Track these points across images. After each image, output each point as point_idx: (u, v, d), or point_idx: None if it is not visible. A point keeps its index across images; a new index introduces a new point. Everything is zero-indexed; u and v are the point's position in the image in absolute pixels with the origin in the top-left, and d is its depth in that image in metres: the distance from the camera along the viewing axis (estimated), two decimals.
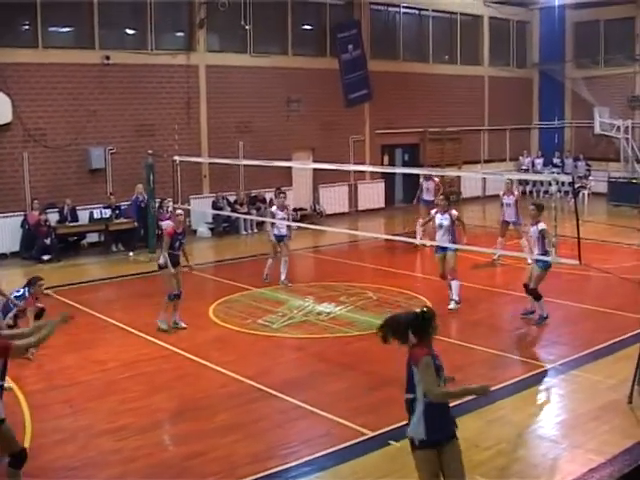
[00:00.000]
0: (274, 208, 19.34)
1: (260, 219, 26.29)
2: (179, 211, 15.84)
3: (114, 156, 24.98)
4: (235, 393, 11.50)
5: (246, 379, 12.00)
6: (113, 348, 13.74)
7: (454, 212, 16.42)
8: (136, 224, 23.92)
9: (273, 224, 19.05)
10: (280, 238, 18.93)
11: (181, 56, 26.51)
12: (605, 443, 9.31)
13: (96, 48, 24.48)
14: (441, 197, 17.05)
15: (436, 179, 23.24)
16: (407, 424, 7.29)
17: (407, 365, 7.31)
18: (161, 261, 15.14)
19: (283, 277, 18.79)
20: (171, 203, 24.47)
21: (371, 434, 9.84)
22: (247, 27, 27.60)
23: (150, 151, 23.28)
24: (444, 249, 16.13)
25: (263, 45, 28.83)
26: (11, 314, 13.19)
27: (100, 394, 11.42)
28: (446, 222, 16.14)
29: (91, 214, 23.95)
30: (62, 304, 16.39)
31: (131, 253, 23.14)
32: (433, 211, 16.81)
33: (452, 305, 16.15)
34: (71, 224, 23.54)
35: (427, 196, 23.10)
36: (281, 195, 19.96)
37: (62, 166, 24.00)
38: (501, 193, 21.41)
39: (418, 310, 7.38)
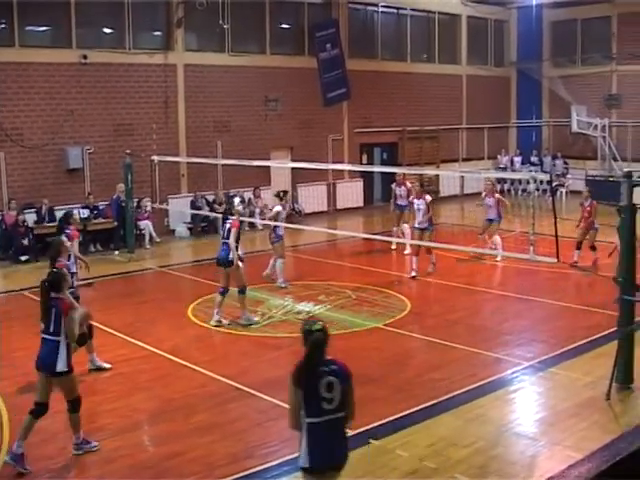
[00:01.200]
0: (279, 207, 18.70)
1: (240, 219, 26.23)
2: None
3: (92, 156, 24.85)
4: (214, 393, 11.47)
5: (225, 379, 11.97)
6: None
7: (427, 197, 19.20)
8: (116, 223, 23.71)
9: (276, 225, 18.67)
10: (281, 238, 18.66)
11: (159, 55, 26.41)
12: (583, 439, 9.36)
13: (73, 47, 24.34)
14: (416, 184, 20.56)
15: (408, 184, 22.83)
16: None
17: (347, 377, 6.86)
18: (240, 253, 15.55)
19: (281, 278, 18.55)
20: (149, 203, 24.45)
21: (351, 433, 9.81)
22: (225, 26, 27.54)
23: (128, 151, 23.17)
24: (422, 229, 19.18)
25: (241, 44, 28.77)
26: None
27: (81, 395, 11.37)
28: (422, 206, 19.04)
29: (79, 212, 23.83)
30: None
31: (117, 252, 22.97)
32: (411, 197, 20.04)
33: (430, 268, 19.06)
34: (49, 224, 23.36)
35: (400, 201, 22.95)
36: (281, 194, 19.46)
37: (39, 166, 23.84)
38: (483, 194, 21.56)
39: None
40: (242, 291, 15.16)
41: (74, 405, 9.30)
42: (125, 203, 23.08)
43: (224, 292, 15.15)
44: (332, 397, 6.51)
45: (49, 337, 9.11)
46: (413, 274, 18.85)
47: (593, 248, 19.61)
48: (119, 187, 23.29)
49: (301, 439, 6.55)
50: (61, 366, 9.04)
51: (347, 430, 6.88)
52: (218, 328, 14.89)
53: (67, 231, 13.97)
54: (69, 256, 12.91)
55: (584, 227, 19.86)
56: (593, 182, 32.27)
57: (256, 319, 15.31)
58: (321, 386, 6.51)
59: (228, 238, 15.20)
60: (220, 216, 25.54)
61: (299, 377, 6.62)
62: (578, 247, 19.58)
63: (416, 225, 19.48)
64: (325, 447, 6.56)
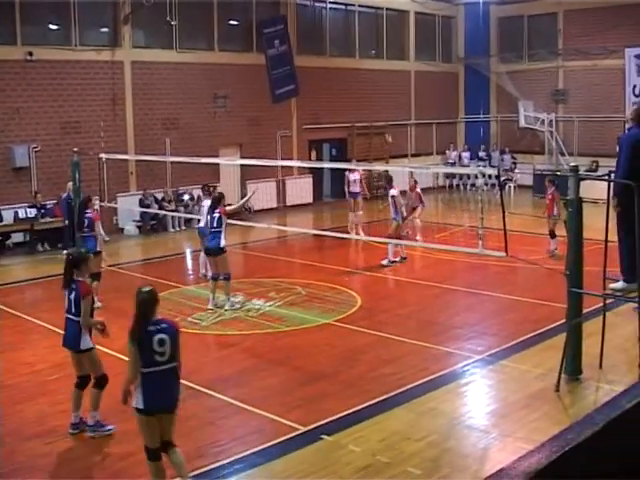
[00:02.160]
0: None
1: (188, 216, 26.17)
2: None
3: (39, 154, 24.55)
4: None
5: None
6: (41, 350, 13.49)
7: (392, 191, 20.12)
8: (67, 222, 22.90)
9: None
10: None
11: (106, 52, 26.16)
12: (534, 431, 9.45)
13: (18, 44, 23.99)
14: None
15: (361, 171, 23.64)
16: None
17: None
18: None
19: None
20: (98, 201, 24.20)
21: (303, 429, 9.84)
22: (173, 23, 27.40)
23: (76, 149, 22.82)
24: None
25: (189, 41, 28.62)
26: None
27: (28, 397, 11.21)
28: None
29: (16, 214, 23.52)
30: None
31: (64, 251, 22.56)
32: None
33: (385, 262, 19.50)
34: None
35: (354, 188, 23.46)
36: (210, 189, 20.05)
37: None
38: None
39: None
40: (227, 278, 15.77)
41: (99, 382, 9.87)
42: (74, 201, 22.66)
43: (216, 278, 15.86)
44: (163, 351, 7.83)
45: (72, 317, 9.78)
46: (392, 259, 19.72)
47: (552, 235, 20.18)
48: (69, 186, 22.71)
49: (137, 386, 7.88)
50: (85, 344, 9.73)
51: (179, 378, 8.18)
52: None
53: (88, 215, 16.44)
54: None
55: (548, 215, 20.65)
56: (540, 178, 32.71)
57: (239, 299, 16.16)
58: (154, 342, 7.78)
59: (218, 227, 15.87)
60: (170, 213, 25.56)
61: (133, 333, 7.95)
62: (552, 235, 20.19)
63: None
64: (157, 393, 7.84)
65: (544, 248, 19.93)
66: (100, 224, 16.83)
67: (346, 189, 24.36)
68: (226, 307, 15.66)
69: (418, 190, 23.25)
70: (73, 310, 9.74)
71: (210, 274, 16.52)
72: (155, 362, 7.81)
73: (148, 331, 7.85)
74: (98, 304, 14.35)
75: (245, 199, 18.22)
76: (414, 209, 23.02)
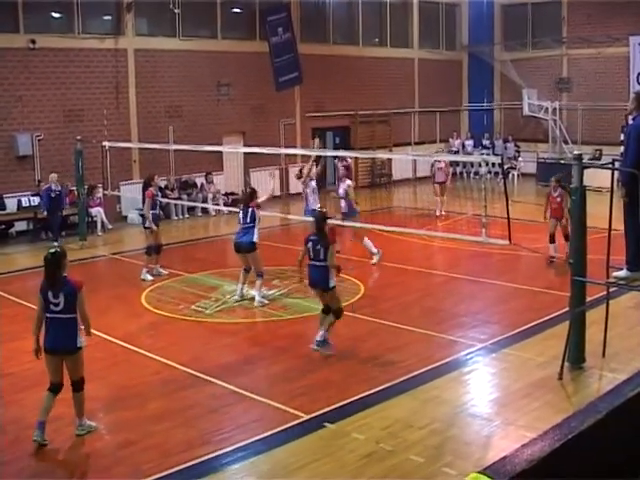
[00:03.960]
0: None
1: (191, 204, 26.17)
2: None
3: (42, 142, 24.53)
4: (169, 380, 11.42)
5: (180, 365, 11.91)
6: (42, 338, 13.47)
7: (348, 181, 19.17)
8: (45, 214, 22.48)
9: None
10: None
11: (109, 40, 26.11)
12: (537, 419, 9.46)
13: (21, 32, 23.95)
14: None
15: (349, 160, 23.65)
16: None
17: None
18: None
19: None
20: (101, 189, 24.22)
21: (306, 417, 9.85)
22: (176, 11, 27.32)
23: (79, 137, 22.90)
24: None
25: (192, 29, 28.57)
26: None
27: (30, 385, 11.19)
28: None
29: (19, 202, 23.53)
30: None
31: (55, 243, 22.29)
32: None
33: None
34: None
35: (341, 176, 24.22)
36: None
37: None
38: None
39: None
40: (261, 275, 15.49)
41: (79, 384, 9.55)
42: (57, 193, 22.25)
43: (248, 270, 15.69)
44: (57, 302, 9.14)
45: (65, 316, 9.30)
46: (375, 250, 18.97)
47: (567, 238, 17.70)
48: (51, 177, 22.36)
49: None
50: (80, 341, 9.43)
51: (76, 329, 9.26)
52: (172, 314, 14.80)
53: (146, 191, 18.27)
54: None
55: (554, 218, 18.31)
56: (544, 166, 32.63)
57: (272, 291, 15.94)
58: (49, 295, 9.14)
59: (251, 222, 15.51)
60: (173, 201, 25.56)
61: (41, 287, 9.24)
62: (552, 240, 18.29)
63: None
64: (54, 336, 9.20)
65: (546, 236, 19.78)
66: (149, 202, 18.02)
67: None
68: (255, 303, 15.33)
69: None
70: (65, 308, 9.24)
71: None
72: (52, 310, 9.17)
73: (51, 285, 9.20)
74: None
75: (272, 188, 17.78)
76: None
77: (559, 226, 18.22)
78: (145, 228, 18.30)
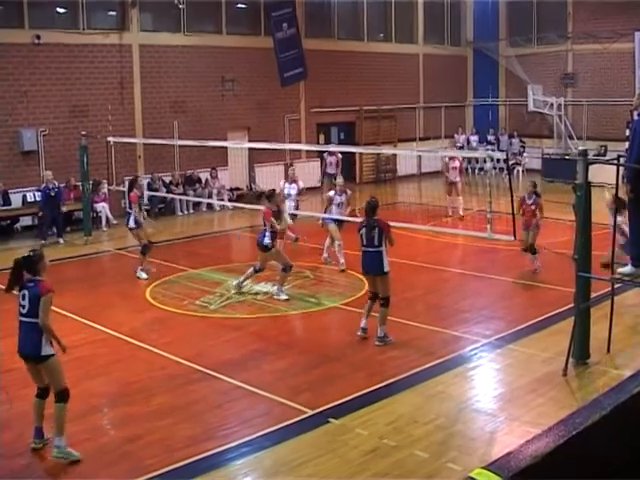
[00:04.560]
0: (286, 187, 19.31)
1: (196, 199, 26.18)
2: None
3: (47, 138, 24.55)
4: (173, 375, 11.43)
5: (184, 361, 11.93)
6: None
7: (349, 192, 18.44)
8: (41, 214, 22.35)
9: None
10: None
11: (114, 35, 26.10)
12: (541, 415, 9.47)
13: (26, 27, 23.94)
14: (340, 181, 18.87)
15: (339, 155, 24.28)
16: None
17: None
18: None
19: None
20: (106, 185, 24.24)
21: (310, 412, 9.86)
22: (180, 6, 27.29)
23: (84, 132, 22.91)
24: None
25: (197, 24, 28.53)
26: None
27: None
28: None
29: (24, 197, 23.55)
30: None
31: (61, 240, 22.29)
32: (332, 192, 18.32)
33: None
34: (3, 208, 23.06)
35: (330, 170, 24.24)
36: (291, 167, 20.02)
37: None
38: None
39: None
40: (285, 269, 15.45)
41: (61, 395, 8.93)
42: (55, 191, 21.91)
43: (258, 270, 15.72)
44: (24, 304, 8.78)
45: (29, 320, 8.78)
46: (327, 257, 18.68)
47: (533, 250, 17.08)
48: (47, 175, 22.31)
49: None
50: (46, 350, 8.80)
51: (40, 335, 8.70)
52: (177, 310, 14.82)
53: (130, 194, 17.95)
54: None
55: (525, 226, 16.69)
56: (549, 162, 32.60)
57: (284, 297, 15.38)
58: (19, 296, 8.85)
59: (264, 225, 15.51)
60: (178, 197, 25.58)
61: (6, 286, 8.98)
62: (532, 251, 17.10)
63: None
64: (20, 340, 8.89)
65: (552, 232, 19.77)
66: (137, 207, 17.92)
67: (323, 169, 25.33)
68: (276, 296, 15.36)
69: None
70: (29, 311, 8.76)
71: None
72: (20, 312, 8.84)
73: (21, 286, 8.92)
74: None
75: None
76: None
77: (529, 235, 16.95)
78: (130, 229, 18.08)
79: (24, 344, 8.87)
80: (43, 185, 22.39)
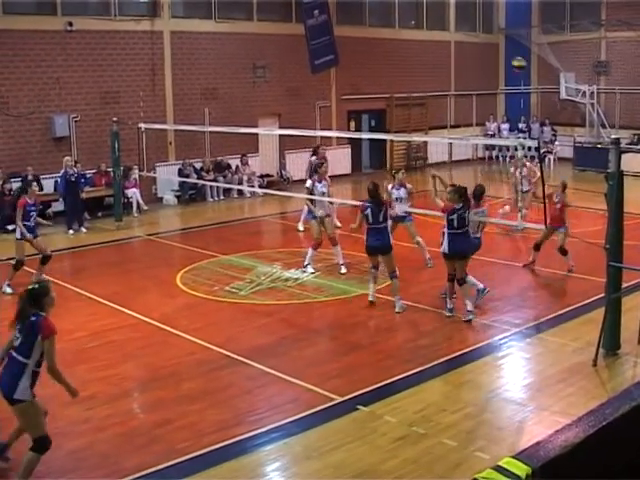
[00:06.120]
0: (309, 183, 17.48)
1: (227, 186, 26.25)
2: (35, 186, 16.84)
3: (79, 124, 24.70)
4: (203, 360, 11.50)
5: (214, 346, 12.00)
6: (80, 318, 13.64)
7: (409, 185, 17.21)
8: (61, 200, 22.64)
9: (312, 201, 16.99)
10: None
11: (145, 22, 26.18)
12: (570, 405, 9.44)
13: (58, 14, 24.08)
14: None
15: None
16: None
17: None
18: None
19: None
20: (137, 171, 24.38)
21: (339, 399, 9.89)
22: None
23: (115, 118, 23.03)
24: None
25: (228, 11, 28.54)
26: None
27: (68, 363, 11.27)
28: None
29: (56, 183, 23.68)
30: (27, 274, 16.28)
31: (71, 231, 21.96)
32: (389, 186, 17.12)
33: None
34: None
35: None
36: (323, 164, 17.97)
37: (25, 134, 23.69)
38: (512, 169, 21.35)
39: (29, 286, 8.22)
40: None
41: (38, 444, 7.97)
42: (75, 177, 22.01)
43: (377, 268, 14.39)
44: (18, 337, 7.88)
45: (18, 357, 7.89)
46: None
47: (564, 252, 16.34)
48: (66, 161, 22.13)
49: None
50: (21, 392, 7.83)
51: (20, 378, 7.79)
52: (207, 295, 14.89)
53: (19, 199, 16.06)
54: None
55: (551, 224, 15.25)
56: (580, 150, 32.36)
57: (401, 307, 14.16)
58: (17, 325, 7.93)
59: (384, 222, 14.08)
60: (209, 183, 25.65)
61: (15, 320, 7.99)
62: (537, 248, 16.61)
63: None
64: (2, 372, 7.98)
65: (583, 221, 19.61)
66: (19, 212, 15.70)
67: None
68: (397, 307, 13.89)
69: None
70: (20, 349, 7.90)
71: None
72: (11, 344, 7.98)
73: (20, 320, 7.98)
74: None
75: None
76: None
77: (557, 235, 16.43)
78: (17, 239, 15.82)
79: (2, 379, 7.94)
80: (62, 171, 22.21)
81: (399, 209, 16.26)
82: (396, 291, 13.78)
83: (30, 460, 7.87)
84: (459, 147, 34.13)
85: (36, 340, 7.83)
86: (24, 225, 15.54)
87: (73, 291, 15.41)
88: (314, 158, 21.10)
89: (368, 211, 13.79)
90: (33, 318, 7.89)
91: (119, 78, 25.61)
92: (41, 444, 7.92)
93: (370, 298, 14.09)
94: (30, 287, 8.16)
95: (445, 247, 13.42)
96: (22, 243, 15.68)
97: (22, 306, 7.98)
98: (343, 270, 16.42)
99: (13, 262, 15.71)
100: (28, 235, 15.58)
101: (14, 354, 7.91)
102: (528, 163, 20.31)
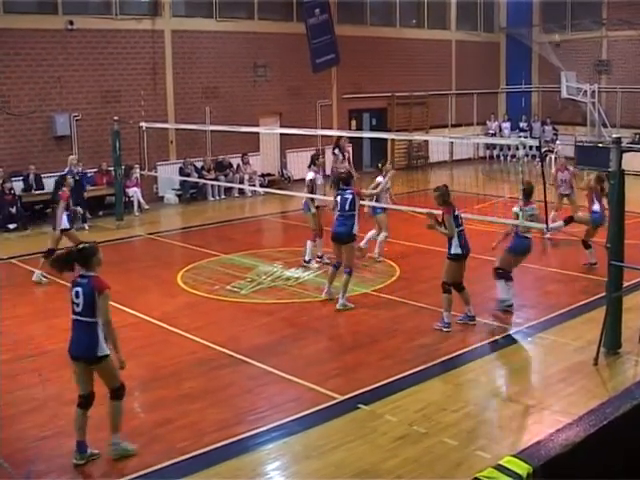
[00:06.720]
0: (312, 175, 17.59)
1: (228, 185, 26.26)
2: None
3: (80, 123, 24.71)
4: (204, 360, 11.50)
5: (215, 345, 12.00)
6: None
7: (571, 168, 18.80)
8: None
9: (312, 193, 17.53)
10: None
11: (146, 21, 26.18)
12: (571, 404, 9.44)
13: (59, 13, 24.09)
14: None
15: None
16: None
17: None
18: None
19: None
20: (138, 170, 24.37)
21: (340, 398, 9.89)
22: None
23: (116, 117, 23.04)
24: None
25: (229, 10, 28.53)
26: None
27: (69, 362, 11.33)
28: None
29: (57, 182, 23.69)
30: (28, 273, 16.30)
31: (86, 226, 22.01)
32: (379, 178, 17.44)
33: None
34: (37, 192, 23.24)
35: None
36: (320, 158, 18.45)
37: (26, 133, 23.71)
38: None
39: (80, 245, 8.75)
40: (349, 272, 14.15)
41: (117, 393, 8.60)
42: (79, 175, 22.09)
43: (338, 266, 14.45)
44: (78, 302, 8.28)
45: (84, 319, 8.36)
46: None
47: (587, 245, 16.40)
48: (71, 159, 22.06)
49: None
50: (102, 349, 8.36)
51: (96, 335, 8.29)
52: (208, 295, 14.89)
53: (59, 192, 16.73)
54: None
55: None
56: (582, 149, 32.32)
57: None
58: (73, 292, 8.34)
59: (350, 210, 14.25)
60: (210, 182, 25.67)
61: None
62: (586, 246, 16.39)
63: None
64: (73, 341, 8.44)
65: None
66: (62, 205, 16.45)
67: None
68: (337, 306, 13.91)
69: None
70: (84, 310, 8.36)
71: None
72: (73, 311, 8.37)
73: (73, 282, 8.48)
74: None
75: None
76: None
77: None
78: (55, 230, 16.47)
79: (77, 345, 8.40)
80: (67, 169, 21.85)
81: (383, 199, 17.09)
82: (345, 288, 13.87)
83: (117, 407, 8.58)
84: (460, 146, 34.08)
85: (94, 298, 8.31)
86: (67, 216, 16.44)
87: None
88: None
89: (338, 198, 14.24)
90: (85, 280, 8.41)
91: (120, 77, 25.61)
92: (122, 391, 8.61)
93: (323, 295, 14.43)
94: (80, 246, 8.71)
95: (457, 248, 13.26)
96: (61, 235, 16.32)
97: (68, 261, 8.52)
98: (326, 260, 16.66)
99: (45, 252, 16.10)
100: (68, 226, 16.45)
101: (80, 318, 8.38)
102: (571, 167, 20.17)
